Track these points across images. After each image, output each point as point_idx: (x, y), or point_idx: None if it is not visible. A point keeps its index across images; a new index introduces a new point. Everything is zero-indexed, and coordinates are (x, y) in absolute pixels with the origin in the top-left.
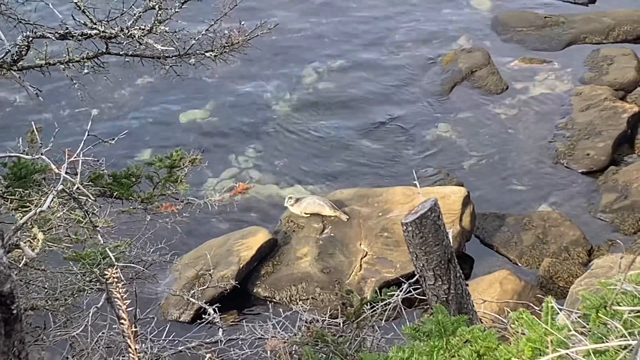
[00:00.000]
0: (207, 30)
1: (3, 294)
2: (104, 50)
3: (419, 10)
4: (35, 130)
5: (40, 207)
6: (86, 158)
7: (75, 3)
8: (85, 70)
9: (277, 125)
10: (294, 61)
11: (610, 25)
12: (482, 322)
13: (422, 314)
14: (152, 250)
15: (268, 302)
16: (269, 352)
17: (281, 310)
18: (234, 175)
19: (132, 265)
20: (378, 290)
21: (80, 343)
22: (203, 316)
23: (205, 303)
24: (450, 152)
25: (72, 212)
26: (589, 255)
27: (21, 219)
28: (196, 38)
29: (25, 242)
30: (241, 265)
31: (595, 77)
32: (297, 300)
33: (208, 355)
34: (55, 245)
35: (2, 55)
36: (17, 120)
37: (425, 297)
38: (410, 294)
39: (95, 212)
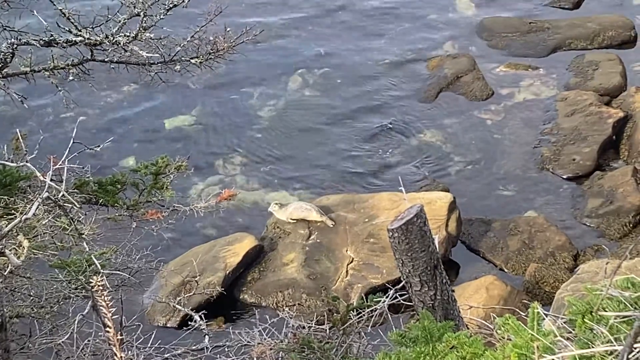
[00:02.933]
0: (192, 36)
1: None
2: (89, 57)
3: (405, 16)
4: (20, 137)
5: (25, 214)
6: (71, 165)
7: (60, 10)
8: (70, 77)
9: (263, 131)
10: (280, 68)
11: (595, 31)
12: (468, 328)
13: (408, 320)
14: (138, 257)
15: (254, 309)
16: (255, 358)
17: (267, 317)
18: (219, 182)
19: (118, 272)
20: (364, 296)
21: (66, 351)
22: (189, 323)
23: (192, 310)
24: (436, 157)
25: (58, 219)
26: (575, 260)
27: (6, 226)
28: (181, 45)
29: (10, 250)
30: (227, 272)
31: (581, 82)
32: (284, 307)
33: None
34: (41, 252)
35: None
36: (1, 128)
37: (411, 303)
38: (396, 300)
39: (80, 219)
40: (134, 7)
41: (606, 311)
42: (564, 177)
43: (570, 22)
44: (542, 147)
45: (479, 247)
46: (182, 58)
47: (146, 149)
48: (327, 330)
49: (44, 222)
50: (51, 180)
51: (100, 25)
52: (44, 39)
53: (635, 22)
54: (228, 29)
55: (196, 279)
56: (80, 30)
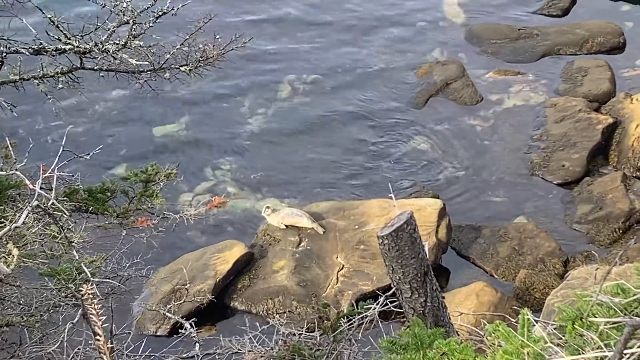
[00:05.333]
0: (181, 44)
1: None
2: (79, 65)
3: (394, 23)
4: (9, 145)
5: (15, 223)
6: (61, 173)
7: (50, 18)
8: (60, 85)
9: (252, 138)
10: (270, 75)
11: (584, 37)
12: (458, 335)
13: (399, 327)
14: (128, 265)
15: (245, 316)
16: None
17: (258, 324)
18: (209, 189)
19: (108, 280)
20: (355, 303)
21: (56, 359)
22: (180, 331)
23: (182, 317)
24: (426, 164)
25: (47, 227)
26: (565, 266)
27: None
28: (171, 52)
29: (0, 258)
30: (218, 279)
31: (570, 88)
32: (274, 314)
33: None
34: (31, 261)
35: None
36: None
37: (402, 310)
38: (387, 306)
39: (70, 227)
40: (123, 15)
41: (596, 317)
42: (554, 183)
43: (559, 29)
44: (532, 153)
45: (469, 253)
46: (172, 66)
47: (136, 157)
48: (318, 338)
49: (33, 231)
50: (41, 188)
51: (89, 33)
52: (33, 47)
53: (624, 28)
54: (217, 37)
55: (186, 286)
56: (69, 39)
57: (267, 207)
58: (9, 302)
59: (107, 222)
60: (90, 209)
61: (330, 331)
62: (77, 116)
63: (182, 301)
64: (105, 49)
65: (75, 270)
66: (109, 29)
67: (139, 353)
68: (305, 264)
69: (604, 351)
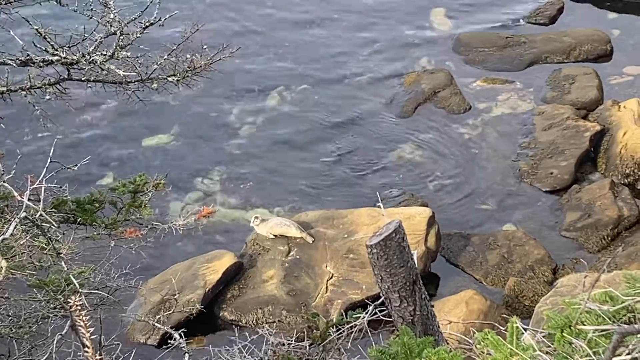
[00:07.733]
0: (169, 54)
1: None
2: (66, 76)
3: (381, 32)
4: None
5: (3, 234)
6: (49, 184)
7: (37, 29)
8: (47, 97)
9: (241, 148)
10: (258, 85)
11: (571, 45)
12: (448, 343)
13: (388, 335)
14: (116, 275)
15: (234, 326)
16: None
17: (247, 334)
18: (198, 199)
19: (96, 291)
20: (344, 313)
21: None
22: (169, 341)
23: (171, 328)
24: (415, 172)
25: (36, 239)
26: (554, 273)
27: None
28: (158, 63)
29: None
30: (207, 289)
31: (557, 96)
32: (264, 324)
33: None
34: (19, 272)
35: None
36: None
37: (391, 319)
38: (376, 315)
39: (58, 238)
40: (111, 25)
41: (585, 325)
42: (542, 190)
43: (547, 37)
44: (520, 161)
45: (459, 261)
46: (160, 76)
47: (124, 167)
48: (307, 347)
49: (21, 242)
50: (29, 199)
51: (76, 44)
52: (20, 58)
53: (611, 36)
54: (205, 47)
55: (175, 296)
56: (56, 50)
57: (256, 217)
58: None
59: (95, 233)
60: (78, 220)
61: (319, 341)
62: (65, 127)
63: (171, 311)
64: (92, 59)
65: (64, 281)
66: (96, 40)
67: None
68: (294, 273)
69: (593, 359)
